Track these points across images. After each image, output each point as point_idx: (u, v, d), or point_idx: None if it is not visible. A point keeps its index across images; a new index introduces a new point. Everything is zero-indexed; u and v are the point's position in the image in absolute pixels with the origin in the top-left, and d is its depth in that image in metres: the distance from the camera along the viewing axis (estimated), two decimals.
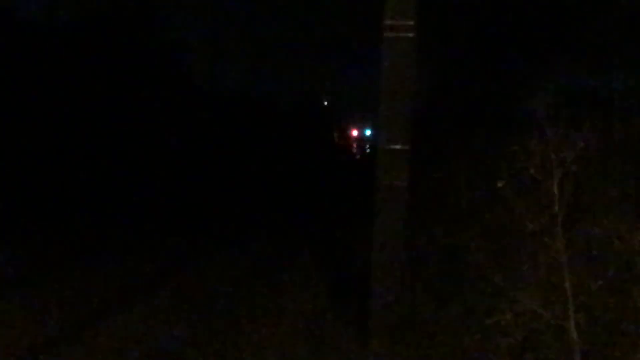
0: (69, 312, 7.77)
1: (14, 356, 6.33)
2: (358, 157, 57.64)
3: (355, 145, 66.93)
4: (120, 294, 8.64)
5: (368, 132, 69.91)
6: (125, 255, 11.13)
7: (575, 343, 4.96)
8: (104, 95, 22.76)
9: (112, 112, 23.00)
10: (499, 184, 5.35)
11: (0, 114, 18.19)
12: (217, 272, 10.23)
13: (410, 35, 6.03)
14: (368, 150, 59.36)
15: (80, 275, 9.63)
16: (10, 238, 11.89)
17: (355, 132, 75.29)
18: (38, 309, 7.76)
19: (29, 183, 16.78)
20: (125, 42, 25.28)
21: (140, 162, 22.85)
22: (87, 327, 7.19)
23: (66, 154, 19.78)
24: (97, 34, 24.29)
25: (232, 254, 11.89)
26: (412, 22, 6.02)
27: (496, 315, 5.45)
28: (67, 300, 8.23)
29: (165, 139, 26.21)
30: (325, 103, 64.37)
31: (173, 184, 22.06)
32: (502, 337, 5.40)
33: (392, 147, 6.03)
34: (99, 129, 21.98)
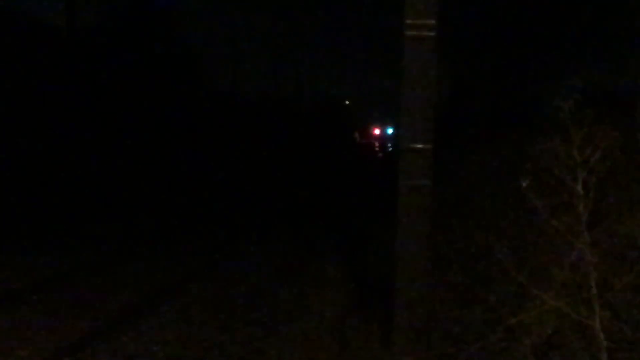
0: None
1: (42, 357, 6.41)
2: (380, 155, 57.61)
3: (377, 144, 66.91)
4: (144, 297, 8.67)
5: (390, 131, 70.03)
6: (153, 258, 11.24)
7: (601, 342, 4.94)
8: (123, 100, 22.93)
9: (132, 116, 23.17)
10: (523, 184, 5.32)
11: (24, 118, 18.35)
12: (240, 272, 10.25)
13: (432, 34, 6.00)
14: (390, 149, 59.44)
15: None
16: (31, 241, 12.06)
17: (377, 131, 75.33)
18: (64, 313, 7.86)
19: (52, 186, 17.02)
20: (144, 46, 25.47)
21: (161, 166, 23.00)
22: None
23: (84, 157, 19.94)
24: (116, 39, 24.53)
25: (255, 254, 11.91)
26: (433, 21, 6.00)
27: (520, 315, 5.44)
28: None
29: (185, 142, 26.29)
30: (347, 102, 64.46)
31: (195, 186, 22.18)
32: (526, 336, 5.39)
33: (414, 146, 6.00)
34: (120, 133, 22.13)
